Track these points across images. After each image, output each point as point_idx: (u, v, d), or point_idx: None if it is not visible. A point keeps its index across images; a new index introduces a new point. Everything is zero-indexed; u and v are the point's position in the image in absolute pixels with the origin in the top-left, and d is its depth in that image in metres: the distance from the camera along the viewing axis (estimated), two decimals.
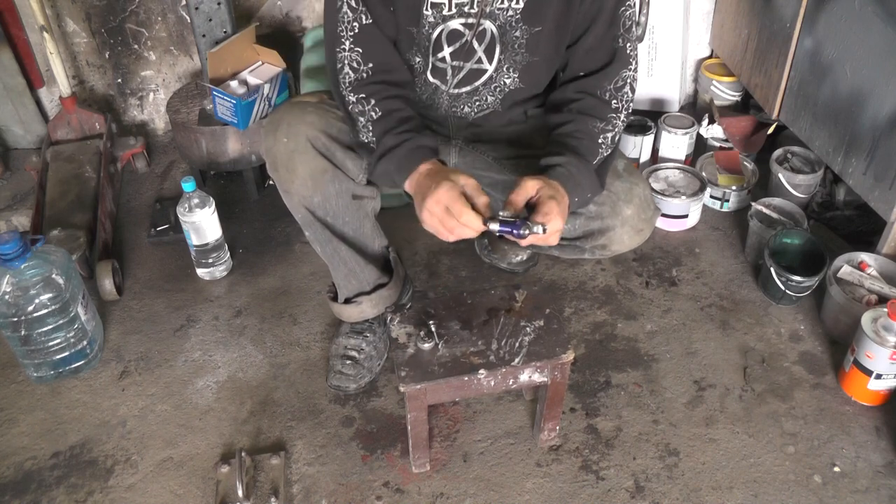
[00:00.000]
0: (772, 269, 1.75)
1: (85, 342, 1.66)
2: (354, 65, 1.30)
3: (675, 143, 2.16)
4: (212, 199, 1.83)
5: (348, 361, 1.63)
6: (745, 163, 2.12)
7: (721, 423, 1.56)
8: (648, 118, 2.20)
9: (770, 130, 2.13)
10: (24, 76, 2.23)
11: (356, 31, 1.29)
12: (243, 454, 1.44)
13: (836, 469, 1.47)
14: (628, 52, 1.35)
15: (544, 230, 1.17)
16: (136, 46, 2.31)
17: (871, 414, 1.57)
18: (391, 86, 1.31)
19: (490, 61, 1.36)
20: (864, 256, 1.74)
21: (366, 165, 1.38)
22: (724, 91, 2.29)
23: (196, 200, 1.80)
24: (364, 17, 1.28)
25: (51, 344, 1.60)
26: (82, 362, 1.67)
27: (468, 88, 1.40)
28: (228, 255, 1.94)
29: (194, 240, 1.84)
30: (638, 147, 2.18)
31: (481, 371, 1.30)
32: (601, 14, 1.30)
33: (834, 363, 1.68)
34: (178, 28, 2.29)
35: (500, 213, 1.19)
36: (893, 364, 1.50)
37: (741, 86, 2.25)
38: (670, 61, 2.31)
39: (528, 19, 1.30)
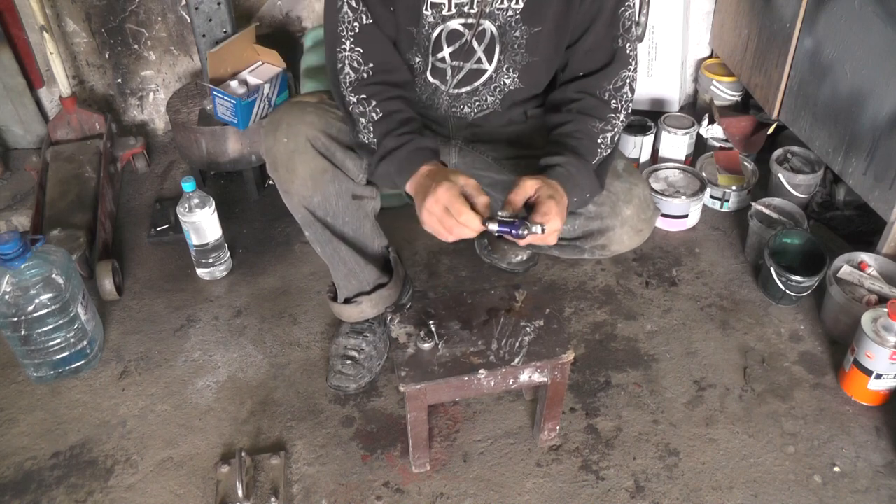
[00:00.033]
0: (772, 269, 1.75)
1: (85, 342, 1.66)
2: (355, 65, 1.30)
3: (675, 143, 2.16)
4: (212, 199, 1.83)
5: (348, 361, 1.63)
6: (745, 163, 2.12)
7: (721, 423, 1.56)
8: (648, 118, 2.20)
9: (770, 130, 2.13)
10: (24, 76, 2.23)
11: (356, 31, 1.29)
12: (243, 454, 1.44)
13: (836, 469, 1.47)
14: (628, 52, 1.35)
15: (543, 230, 1.17)
16: (136, 46, 2.31)
17: (871, 414, 1.57)
18: (392, 86, 1.31)
19: (490, 61, 1.36)
20: (864, 256, 1.74)
21: (366, 166, 1.38)
22: (724, 91, 2.29)
23: (196, 200, 1.80)
24: (364, 17, 1.28)
25: (51, 344, 1.60)
26: (82, 362, 1.67)
27: (468, 88, 1.40)
28: (228, 255, 1.94)
29: (194, 240, 1.84)
30: (638, 147, 2.18)
31: (481, 371, 1.30)
32: (601, 14, 1.30)
33: (834, 363, 1.68)
34: (178, 28, 2.29)
35: (499, 213, 1.19)
36: (893, 364, 1.50)
37: (741, 86, 2.25)
38: (670, 61, 2.31)
39: (528, 19, 1.30)
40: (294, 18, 2.38)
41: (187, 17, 2.22)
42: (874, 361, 1.51)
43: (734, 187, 2.05)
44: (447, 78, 1.38)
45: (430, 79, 1.39)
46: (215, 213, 1.84)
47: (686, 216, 2.02)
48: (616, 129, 1.36)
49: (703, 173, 2.08)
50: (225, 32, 2.03)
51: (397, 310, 1.41)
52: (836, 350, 1.70)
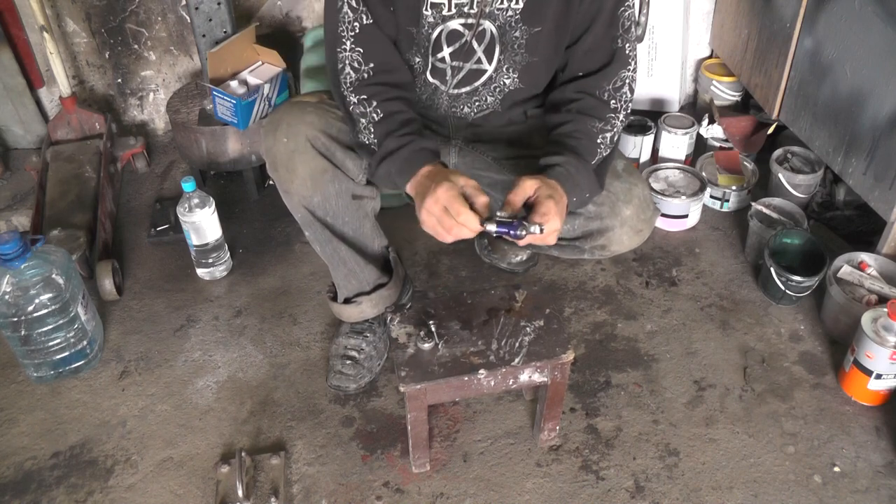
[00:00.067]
0: (772, 269, 1.75)
1: (85, 342, 1.66)
2: (355, 65, 1.30)
3: (675, 143, 2.16)
4: (212, 199, 1.83)
5: (348, 361, 1.63)
6: (745, 163, 2.12)
7: (721, 423, 1.56)
8: (648, 118, 2.20)
9: (770, 130, 2.13)
10: (24, 76, 2.23)
11: (357, 31, 1.29)
12: (243, 454, 1.44)
13: (836, 469, 1.47)
14: (627, 52, 1.35)
15: (541, 230, 1.17)
16: (136, 46, 2.31)
17: (871, 414, 1.57)
18: (392, 87, 1.31)
19: (490, 61, 1.36)
20: (864, 256, 1.74)
21: (366, 166, 1.38)
22: (724, 91, 2.29)
23: (196, 200, 1.80)
24: (365, 18, 1.28)
25: (51, 344, 1.60)
26: (82, 362, 1.67)
27: (468, 89, 1.40)
28: (228, 255, 1.94)
29: (194, 240, 1.84)
30: (638, 147, 2.18)
31: (481, 371, 1.30)
32: (600, 14, 1.30)
33: (834, 363, 1.68)
34: (178, 28, 2.29)
35: (498, 214, 1.19)
36: (893, 364, 1.50)
37: (741, 86, 2.25)
38: (670, 61, 2.31)
39: (528, 20, 1.30)
40: (294, 18, 2.38)
41: (187, 17, 2.22)
42: (874, 361, 1.51)
43: (734, 187, 2.05)
44: (447, 78, 1.38)
45: (430, 79, 1.39)
46: (215, 213, 1.84)
47: (686, 216, 2.02)
48: (615, 130, 1.36)
49: (703, 173, 2.08)
50: (225, 32, 2.03)
51: (397, 310, 1.41)
52: (836, 350, 1.70)
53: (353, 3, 1.27)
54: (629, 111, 1.38)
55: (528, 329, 1.36)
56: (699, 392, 1.63)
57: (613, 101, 1.35)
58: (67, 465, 1.51)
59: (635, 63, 1.36)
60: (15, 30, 2.18)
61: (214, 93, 1.96)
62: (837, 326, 1.71)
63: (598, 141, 1.33)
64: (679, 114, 2.24)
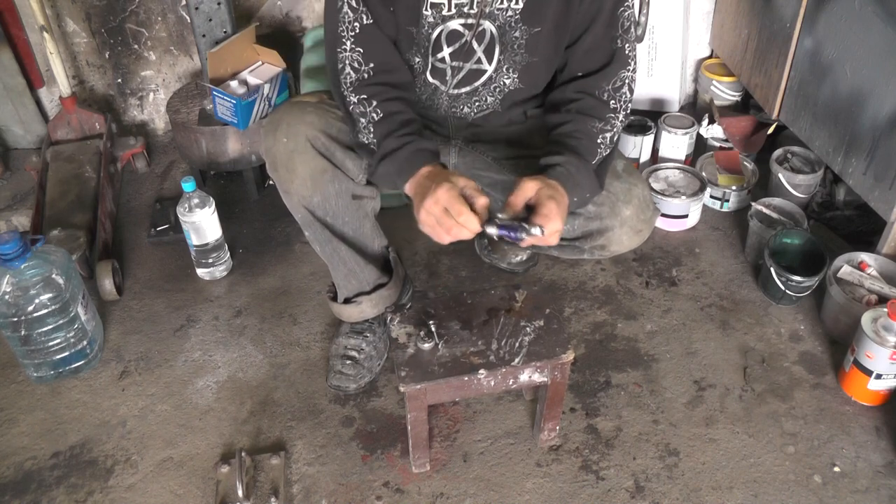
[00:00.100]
0: (772, 269, 1.75)
1: (85, 342, 1.66)
2: (356, 65, 1.30)
3: (675, 143, 2.16)
4: (212, 199, 1.83)
5: (348, 361, 1.63)
6: (745, 163, 2.12)
7: (721, 423, 1.56)
8: (648, 118, 2.20)
9: (770, 130, 2.13)
10: (24, 76, 2.23)
11: (357, 31, 1.29)
12: (243, 454, 1.44)
13: (836, 469, 1.47)
14: (627, 52, 1.35)
15: (543, 231, 1.17)
16: (136, 46, 2.31)
17: (871, 414, 1.57)
18: (392, 87, 1.31)
19: (489, 62, 1.36)
20: (864, 256, 1.74)
21: (366, 166, 1.38)
22: (724, 91, 2.29)
23: (196, 200, 1.80)
24: (365, 18, 1.28)
25: (51, 344, 1.60)
26: (82, 362, 1.67)
27: (468, 89, 1.40)
28: (228, 255, 1.94)
29: (194, 240, 1.84)
30: (638, 147, 2.18)
31: (481, 371, 1.30)
32: (600, 14, 1.30)
33: (834, 363, 1.68)
34: (178, 28, 2.29)
35: (498, 216, 1.19)
36: (893, 364, 1.50)
37: (741, 86, 2.25)
38: (670, 61, 2.31)
39: (528, 20, 1.30)
40: (294, 18, 2.38)
41: (187, 17, 2.22)
42: (874, 361, 1.51)
43: (734, 187, 2.05)
44: (447, 78, 1.38)
45: (430, 79, 1.39)
46: (215, 213, 1.84)
47: (686, 216, 2.02)
48: (615, 130, 1.36)
49: (703, 173, 2.08)
50: (225, 32, 2.03)
51: (397, 310, 1.41)
52: (836, 350, 1.70)
53: (353, 4, 1.27)
54: (629, 111, 1.38)
55: (528, 329, 1.36)
56: (699, 392, 1.63)
57: (613, 102, 1.35)
58: (67, 465, 1.51)
59: (635, 63, 1.36)
60: (15, 30, 2.18)
61: (214, 93, 1.96)
62: (837, 326, 1.71)
63: (599, 141, 1.33)
64: (679, 114, 2.24)
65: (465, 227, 1.16)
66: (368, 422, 1.58)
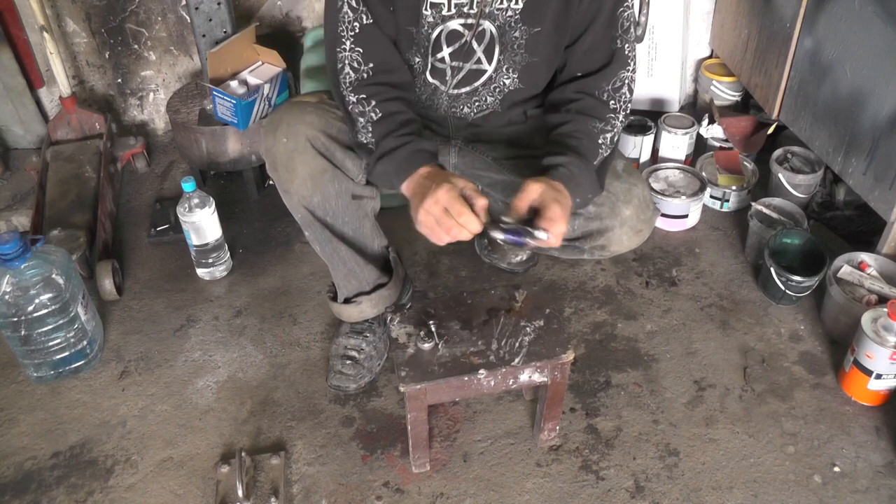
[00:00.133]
0: (772, 269, 1.75)
1: (85, 342, 1.66)
2: (355, 65, 1.30)
3: (675, 143, 2.16)
4: (212, 199, 1.83)
5: (348, 361, 1.63)
6: (745, 163, 2.12)
7: (721, 423, 1.56)
8: (648, 118, 2.20)
9: (770, 130, 2.13)
10: (24, 76, 2.23)
11: (357, 30, 1.29)
12: (243, 454, 1.44)
13: (836, 469, 1.47)
14: (626, 52, 1.35)
15: (548, 236, 1.17)
16: (136, 46, 2.31)
17: (871, 414, 1.57)
18: (392, 87, 1.31)
19: (489, 62, 1.36)
20: (864, 256, 1.74)
21: (364, 165, 1.38)
22: (724, 91, 2.29)
23: (196, 200, 1.80)
24: (365, 17, 1.28)
25: (51, 344, 1.60)
26: (82, 362, 1.67)
27: (467, 89, 1.40)
28: (228, 255, 1.94)
29: (194, 240, 1.84)
30: (638, 147, 2.18)
31: (481, 371, 1.30)
32: (599, 15, 1.30)
33: (834, 363, 1.68)
34: (178, 28, 2.29)
35: (503, 219, 1.19)
36: (893, 364, 1.50)
37: (741, 86, 2.25)
38: (670, 61, 2.31)
39: (528, 20, 1.30)
40: (294, 18, 2.38)
41: (187, 17, 2.22)
42: (874, 361, 1.51)
43: (734, 187, 2.05)
44: (447, 78, 1.38)
45: (430, 79, 1.39)
46: (215, 213, 1.84)
47: (686, 216, 2.02)
48: (616, 130, 1.36)
49: (703, 173, 2.08)
50: (225, 32, 2.03)
51: (397, 310, 1.41)
52: (836, 350, 1.70)
53: (353, 3, 1.27)
54: (629, 111, 1.38)
55: (528, 329, 1.36)
56: (699, 392, 1.63)
57: (613, 102, 1.35)
58: (67, 465, 1.51)
59: (634, 63, 1.36)
60: (15, 30, 2.18)
61: (214, 93, 1.96)
62: (837, 326, 1.71)
63: (600, 142, 1.33)
64: (679, 114, 2.24)
65: (466, 227, 1.16)
66: (368, 422, 1.58)
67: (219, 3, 1.98)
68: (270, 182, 2.21)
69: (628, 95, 1.37)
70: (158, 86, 2.40)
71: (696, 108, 2.43)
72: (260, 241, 2.05)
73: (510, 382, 1.36)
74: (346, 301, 1.60)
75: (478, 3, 1.27)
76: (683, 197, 1.99)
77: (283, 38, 2.37)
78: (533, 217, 1.20)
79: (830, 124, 1.78)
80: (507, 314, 1.39)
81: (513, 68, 1.37)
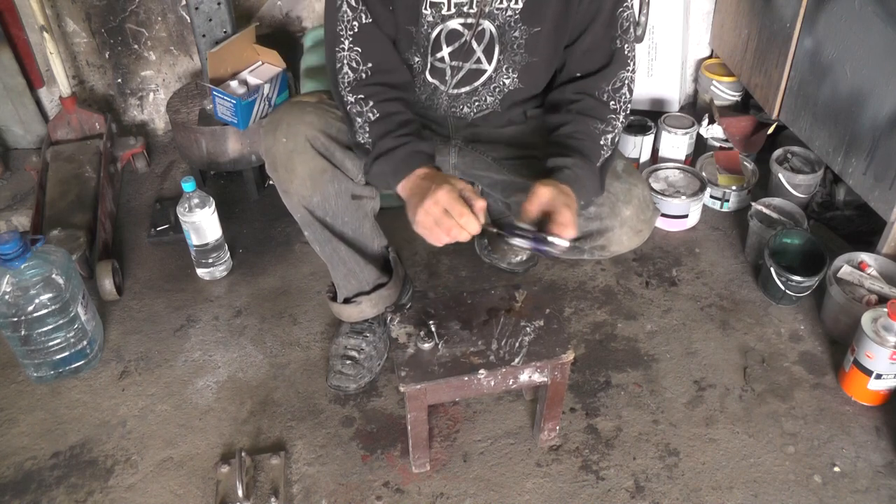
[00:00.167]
0: (772, 269, 1.75)
1: (85, 342, 1.66)
2: (353, 64, 1.30)
3: (675, 143, 2.16)
4: (212, 199, 1.83)
5: (348, 361, 1.63)
6: (745, 163, 2.12)
7: (721, 423, 1.56)
8: (648, 118, 2.20)
9: (770, 130, 2.13)
10: (24, 76, 2.23)
11: (355, 30, 1.29)
12: (243, 454, 1.44)
13: (836, 469, 1.47)
14: (626, 53, 1.35)
15: (566, 242, 1.18)
16: (136, 46, 2.31)
17: (871, 414, 1.57)
18: (390, 87, 1.31)
19: (489, 61, 1.36)
20: (864, 256, 1.74)
21: (362, 165, 1.38)
22: (724, 91, 2.29)
23: (196, 200, 1.80)
24: (364, 17, 1.28)
25: (51, 344, 1.60)
26: (82, 362, 1.67)
27: (467, 89, 1.40)
28: (228, 255, 1.94)
29: (194, 240, 1.84)
30: (638, 147, 2.18)
31: (481, 371, 1.30)
32: (599, 15, 1.30)
33: (834, 363, 1.68)
34: (178, 28, 2.29)
35: (520, 225, 1.19)
36: (893, 364, 1.50)
37: (741, 86, 2.25)
38: (670, 61, 2.31)
39: (528, 19, 1.30)
40: (294, 18, 2.38)
41: (187, 17, 2.22)
42: (874, 361, 1.51)
43: (734, 187, 2.05)
44: (446, 78, 1.38)
45: (430, 79, 1.39)
46: (215, 213, 1.84)
47: (686, 216, 2.02)
48: (616, 131, 1.36)
49: (703, 173, 2.08)
50: (225, 32, 2.03)
51: (397, 310, 1.41)
52: (836, 350, 1.70)
53: (353, 2, 1.27)
54: (628, 112, 1.38)
55: (528, 329, 1.36)
56: (699, 392, 1.63)
57: (613, 102, 1.35)
58: (67, 465, 1.51)
59: (634, 64, 1.36)
60: (15, 30, 2.18)
61: (214, 93, 1.96)
62: (837, 326, 1.71)
63: (601, 143, 1.33)
64: (679, 114, 2.24)
65: (466, 228, 1.16)
66: (368, 422, 1.58)
67: (219, 3, 1.98)
68: (270, 182, 2.21)
69: (628, 96, 1.36)
70: (158, 86, 2.40)
71: (696, 108, 2.43)
72: (260, 241, 2.05)
73: (510, 382, 1.36)
74: (346, 301, 1.60)
75: (477, 2, 1.27)
76: (683, 197, 1.99)
77: (283, 38, 2.37)
78: (545, 221, 1.21)
79: (830, 124, 1.78)
80: (507, 314, 1.39)
81: (512, 68, 1.37)
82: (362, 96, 1.29)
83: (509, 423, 1.57)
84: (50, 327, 1.58)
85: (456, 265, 1.95)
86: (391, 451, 1.52)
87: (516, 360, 1.32)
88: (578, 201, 1.26)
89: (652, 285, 1.89)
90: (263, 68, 2.08)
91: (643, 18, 1.93)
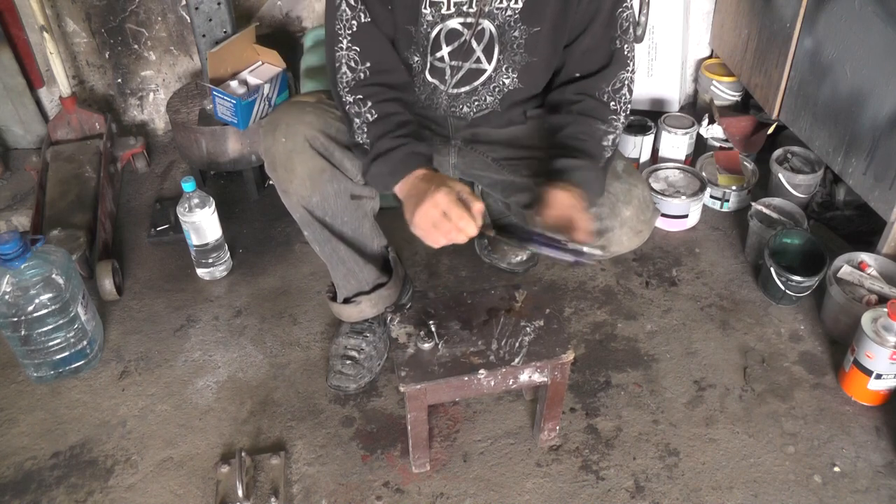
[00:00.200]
0: (772, 269, 1.75)
1: (85, 342, 1.66)
2: (352, 63, 1.30)
3: (675, 143, 2.16)
4: (212, 199, 1.83)
5: (348, 361, 1.63)
6: (745, 163, 2.12)
7: (721, 423, 1.56)
8: (648, 118, 2.20)
9: (770, 130, 2.13)
10: (24, 76, 2.23)
11: (354, 29, 1.29)
12: (243, 454, 1.44)
13: (836, 469, 1.47)
14: (626, 53, 1.35)
15: (601, 250, 1.20)
16: (136, 46, 2.31)
17: (871, 414, 1.57)
18: (389, 88, 1.31)
19: (489, 61, 1.36)
20: (864, 256, 1.74)
21: (360, 165, 1.38)
22: (724, 91, 2.29)
23: (196, 200, 1.80)
24: (363, 16, 1.28)
25: (51, 344, 1.60)
26: (82, 362, 1.67)
27: (467, 88, 1.40)
28: (228, 255, 1.94)
29: (194, 240, 1.84)
30: (638, 147, 2.18)
31: (481, 371, 1.30)
32: (598, 15, 1.30)
33: (834, 363, 1.68)
34: (178, 28, 2.29)
35: (545, 233, 1.20)
36: (893, 364, 1.50)
37: (741, 86, 2.25)
38: (670, 61, 2.31)
39: (527, 19, 1.30)
40: (294, 18, 2.38)
41: (187, 17, 2.22)
42: (874, 361, 1.51)
43: (734, 187, 2.05)
44: (446, 77, 1.38)
45: (429, 78, 1.39)
46: (215, 213, 1.84)
47: (686, 216, 2.02)
48: (617, 133, 1.36)
49: (703, 173, 2.08)
50: (225, 32, 2.03)
51: (397, 310, 1.41)
52: (836, 350, 1.70)
53: (352, 2, 1.27)
54: (628, 113, 1.39)
55: (528, 329, 1.36)
56: (699, 392, 1.63)
57: (613, 103, 1.35)
58: (67, 465, 1.51)
59: (634, 64, 1.36)
60: (15, 30, 2.18)
61: (214, 93, 1.96)
62: (837, 326, 1.71)
63: (604, 144, 1.34)
64: (679, 114, 2.24)
65: (463, 231, 1.16)
66: (368, 422, 1.58)
67: (219, 3, 1.98)
68: (270, 182, 2.21)
69: (628, 96, 1.37)
70: (158, 86, 2.40)
71: (696, 108, 2.43)
72: (260, 241, 2.05)
73: (510, 382, 1.36)
74: (346, 301, 1.60)
75: (477, 1, 1.27)
76: (683, 197, 1.99)
77: (283, 38, 2.37)
78: (559, 226, 1.22)
79: (830, 124, 1.78)
80: (507, 314, 1.39)
81: (512, 68, 1.37)
82: (361, 97, 1.29)
83: (509, 423, 1.57)
84: (50, 327, 1.58)
85: (456, 265, 1.95)
86: (391, 451, 1.52)
87: (516, 360, 1.32)
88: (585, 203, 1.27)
89: (652, 285, 1.88)
90: (263, 68, 2.08)
91: (643, 18, 1.93)
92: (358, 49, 1.29)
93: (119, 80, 2.36)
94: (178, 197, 1.82)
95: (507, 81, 1.39)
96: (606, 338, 1.76)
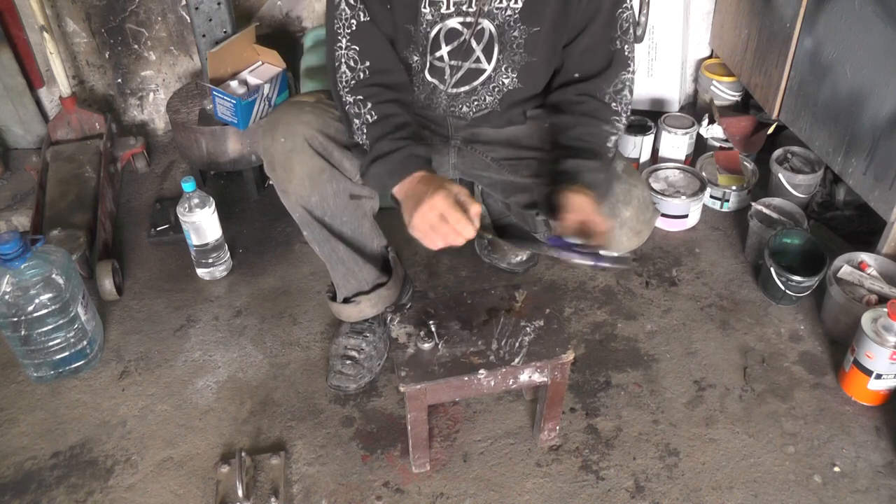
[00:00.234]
0: (772, 269, 1.75)
1: (85, 342, 1.66)
2: (351, 63, 1.30)
3: (675, 143, 2.16)
4: (212, 199, 1.83)
5: (348, 361, 1.63)
6: (745, 163, 2.12)
7: (721, 423, 1.56)
8: (648, 118, 2.20)
9: (770, 130, 2.13)
10: (24, 76, 2.23)
11: (353, 28, 1.29)
12: (243, 454, 1.44)
13: (836, 469, 1.47)
14: (626, 54, 1.35)
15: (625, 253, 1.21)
16: (136, 46, 2.31)
17: (871, 414, 1.57)
18: (388, 89, 1.31)
19: (488, 61, 1.36)
20: (864, 256, 1.74)
21: (359, 166, 1.38)
22: (724, 91, 2.29)
23: (196, 200, 1.80)
24: (362, 15, 1.28)
25: (51, 344, 1.60)
26: (82, 362, 1.67)
27: (466, 88, 1.40)
28: (228, 255, 1.94)
29: (194, 240, 1.84)
30: (638, 147, 2.18)
31: (481, 371, 1.30)
32: (598, 15, 1.30)
33: (834, 363, 1.68)
34: (178, 28, 2.29)
35: (567, 240, 1.21)
36: (893, 364, 1.50)
37: (741, 86, 2.25)
38: (670, 61, 2.31)
39: (527, 19, 1.30)
40: (294, 18, 2.38)
41: (187, 17, 2.22)
42: (874, 361, 1.51)
43: (734, 187, 2.05)
44: (445, 77, 1.38)
45: (429, 78, 1.39)
46: (215, 213, 1.84)
47: (686, 216, 2.02)
48: (619, 134, 1.37)
49: (703, 173, 2.08)
50: (225, 32, 2.03)
51: (397, 310, 1.41)
52: (836, 350, 1.70)
53: (351, 1, 1.27)
54: (629, 114, 1.39)
55: (528, 329, 1.36)
56: (699, 392, 1.63)
57: (615, 104, 1.35)
58: (67, 465, 1.51)
59: (634, 65, 1.36)
60: (15, 30, 2.18)
61: (214, 93, 1.96)
62: (837, 326, 1.71)
63: (608, 145, 1.34)
64: (679, 114, 2.24)
65: (461, 233, 1.16)
66: (368, 422, 1.58)
67: (219, 3, 1.98)
68: (270, 182, 2.21)
69: (629, 97, 1.37)
70: (158, 86, 2.40)
71: (696, 108, 2.43)
72: (260, 241, 2.05)
73: (510, 382, 1.36)
74: (346, 301, 1.60)
75: (476, 1, 1.27)
76: (683, 197, 1.99)
77: (283, 38, 2.37)
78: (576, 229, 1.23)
79: (830, 124, 1.78)
80: (507, 314, 1.39)
81: (512, 68, 1.37)
82: (361, 97, 1.29)
83: (509, 423, 1.57)
84: (50, 327, 1.58)
85: (456, 265, 1.95)
86: (391, 451, 1.52)
87: (516, 360, 1.32)
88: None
89: (652, 285, 1.88)
90: (263, 68, 2.08)
91: (643, 18, 1.93)
92: (357, 48, 1.29)
93: (119, 80, 2.36)
94: (178, 197, 1.82)
95: (506, 81, 1.39)
96: (606, 338, 1.76)
